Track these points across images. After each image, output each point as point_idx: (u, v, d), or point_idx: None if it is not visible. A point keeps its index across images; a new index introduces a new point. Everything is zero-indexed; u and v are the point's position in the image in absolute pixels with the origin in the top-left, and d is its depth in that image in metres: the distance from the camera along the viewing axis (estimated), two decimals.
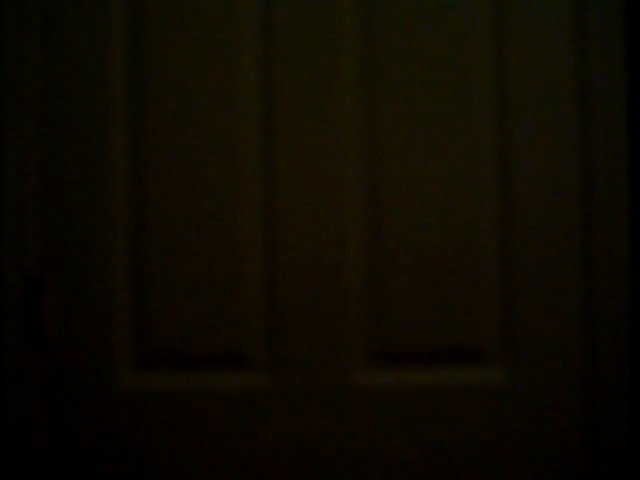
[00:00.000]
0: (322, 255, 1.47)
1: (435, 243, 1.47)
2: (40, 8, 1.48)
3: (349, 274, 1.48)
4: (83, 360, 1.48)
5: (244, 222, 1.48)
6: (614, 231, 1.46)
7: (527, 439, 1.47)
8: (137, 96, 1.49)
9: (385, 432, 1.47)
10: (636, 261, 1.47)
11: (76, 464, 1.48)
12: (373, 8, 1.48)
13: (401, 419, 1.47)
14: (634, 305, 1.46)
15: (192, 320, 1.48)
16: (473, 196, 1.48)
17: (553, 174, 1.47)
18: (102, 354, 1.48)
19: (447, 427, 1.47)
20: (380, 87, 1.48)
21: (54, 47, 1.48)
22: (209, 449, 1.47)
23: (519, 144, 1.47)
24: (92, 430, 1.48)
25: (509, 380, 1.47)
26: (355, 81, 1.49)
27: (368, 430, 1.47)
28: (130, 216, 1.49)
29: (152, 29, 1.48)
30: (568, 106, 1.47)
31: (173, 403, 1.48)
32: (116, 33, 1.49)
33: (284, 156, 1.48)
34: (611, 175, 1.46)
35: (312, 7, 1.48)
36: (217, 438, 1.47)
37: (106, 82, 1.48)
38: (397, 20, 1.48)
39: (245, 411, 1.47)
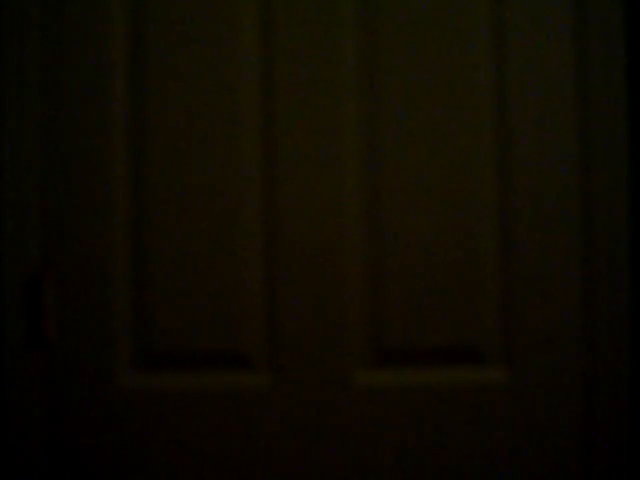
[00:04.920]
0: (322, 255, 1.47)
1: (435, 242, 1.47)
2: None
3: (349, 274, 1.48)
4: (83, 360, 1.47)
5: (244, 222, 1.48)
6: (614, 231, 1.46)
7: (527, 438, 1.47)
8: (137, 95, 1.49)
9: (385, 432, 1.47)
10: (636, 260, 1.47)
11: (76, 463, 1.48)
12: (373, 8, 1.48)
13: (401, 419, 1.47)
14: (634, 304, 1.46)
15: (192, 320, 1.48)
16: (473, 196, 1.48)
17: (553, 175, 1.47)
18: (102, 354, 1.48)
19: (447, 427, 1.47)
20: (380, 85, 1.48)
21: (56, 45, 1.48)
22: (209, 449, 1.47)
23: (519, 145, 1.47)
24: (92, 429, 1.47)
25: (509, 380, 1.47)
26: (355, 80, 1.49)
27: (368, 430, 1.47)
28: (130, 216, 1.49)
29: (153, 28, 1.48)
30: (568, 105, 1.47)
31: (173, 403, 1.47)
32: (117, 33, 1.49)
33: (284, 155, 1.48)
34: (611, 175, 1.46)
35: (312, 4, 1.48)
36: (217, 438, 1.47)
37: (107, 82, 1.48)
38: (397, 19, 1.48)
39: (245, 411, 1.47)
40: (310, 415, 1.47)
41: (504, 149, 1.48)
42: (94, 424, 1.48)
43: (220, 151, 1.48)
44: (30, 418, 1.46)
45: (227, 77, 1.48)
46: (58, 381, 1.47)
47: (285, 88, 1.48)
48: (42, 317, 1.46)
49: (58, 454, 1.48)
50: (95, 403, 1.47)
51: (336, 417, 1.47)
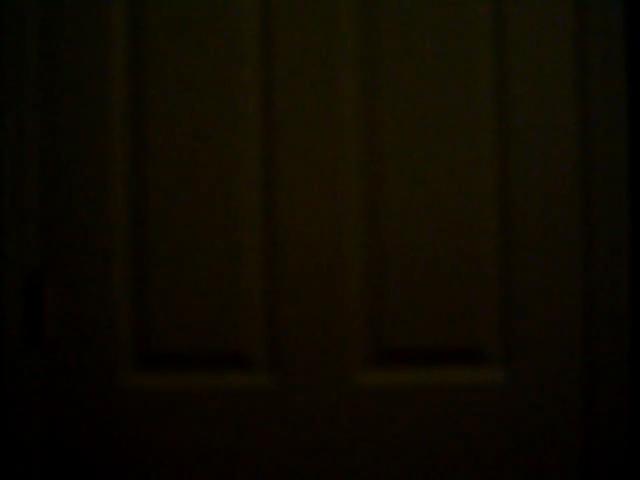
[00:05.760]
0: (322, 255, 1.47)
1: (435, 243, 1.47)
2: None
3: (349, 274, 1.48)
4: (83, 360, 1.48)
5: (244, 222, 1.48)
6: (614, 231, 1.46)
7: (527, 439, 1.47)
8: (137, 96, 1.49)
9: (385, 432, 1.47)
10: (636, 260, 1.47)
11: (76, 464, 1.48)
12: (373, 11, 1.48)
13: (401, 419, 1.47)
14: (634, 305, 1.46)
15: (192, 320, 1.48)
16: (473, 197, 1.48)
17: (553, 175, 1.47)
18: (102, 354, 1.48)
19: (447, 427, 1.47)
20: (380, 89, 1.48)
21: (54, 52, 1.48)
22: (209, 449, 1.47)
23: (519, 148, 1.47)
24: (92, 430, 1.48)
25: (509, 380, 1.47)
26: (355, 83, 1.49)
27: (368, 430, 1.47)
28: (130, 216, 1.49)
29: (152, 28, 1.48)
30: (568, 105, 1.47)
31: (173, 403, 1.48)
32: (116, 32, 1.49)
33: (284, 157, 1.48)
34: (611, 176, 1.46)
35: (312, 10, 1.48)
36: (217, 438, 1.47)
37: (106, 82, 1.48)
38: (397, 21, 1.48)
39: (245, 411, 1.47)
40: (310, 415, 1.47)
41: (504, 151, 1.48)
42: (94, 424, 1.48)
43: (221, 152, 1.48)
44: (30, 418, 1.46)
45: (227, 78, 1.48)
46: (58, 381, 1.48)
47: (285, 89, 1.48)
48: (42, 317, 1.46)
49: (57, 454, 1.48)
50: (95, 403, 1.48)
51: (336, 417, 1.47)
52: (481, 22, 1.48)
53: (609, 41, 1.46)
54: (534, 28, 1.47)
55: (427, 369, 1.48)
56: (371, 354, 1.49)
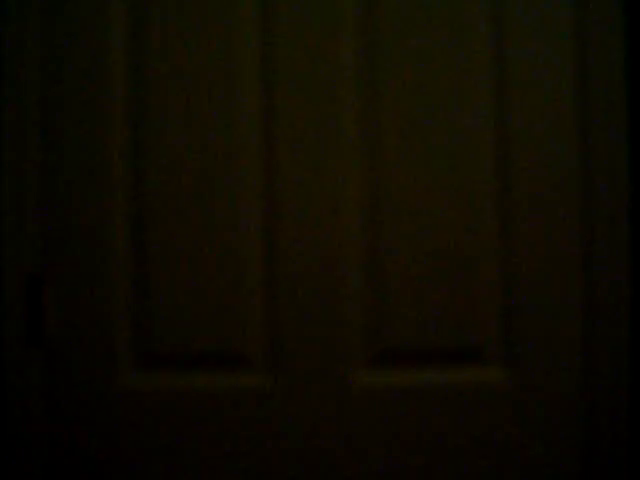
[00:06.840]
0: (322, 255, 1.47)
1: (435, 243, 1.47)
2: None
3: (349, 274, 1.48)
4: (83, 359, 1.47)
5: (245, 223, 1.48)
6: (614, 231, 1.46)
7: (527, 439, 1.47)
8: (138, 96, 1.49)
9: (385, 432, 1.47)
10: (636, 260, 1.47)
11: (76, 464, 1.48)
12: (374, 15, 1.49)
13: (401, 419, 1.47)
14: (634, 304, 1.46)
15: (192, 320, 1.48)
16: (474, 197, 1.48)
17: (553, 175, 1.47)
18: (102, 353, 1.48)
19: (447, 427, 1.47)
20: (380, 90, 1.48)
21: (56, 46, 1.49)
22: (209, 449, 1.47)
23: (518, 146, 1.48)
24: (92, 429, 1.47)
25: (509, 380, 1.47)
26: (355, 87, 1.49)
27: (368, 430, 1.47)
28: (131, 216, 1.49)
29: (153, 27, 1.49)
30: (568, 104, 1.47)
31: (173, 403, 1.47)
32: (116, 31, 1.49)
33: (285, 158, 1.48)
34: (611, 176, 1.46)
35: (312, 7, 1.49)
36: (217, 438, 1.47)
37: (106, 81, 1.49)
38: (398, 19, 1.48)
39: (245, 411, 1.47)
40: (310, 415, 1.47)
41: (505, 151, 1.48)
42: (94, 424, 1.47)
43: (221, 152, 1.48)
44: (30, 417, 1.46)
45: (227, 76, 1.48)
46: (58, 380, 1.47)
47: (285, 87, 1.49)
48: (42, 316, 1.46)
49: (57, 454, 1.48)
50: (95, 403, 1.47)
51: (336, 417, 1.47)
52: (480, 22, 1.49)
53: (609, 39, 1.46)
54: (534, 28, 1.47)
55: (427, 369, 1.48)
56: (371, 354, 1.48)
